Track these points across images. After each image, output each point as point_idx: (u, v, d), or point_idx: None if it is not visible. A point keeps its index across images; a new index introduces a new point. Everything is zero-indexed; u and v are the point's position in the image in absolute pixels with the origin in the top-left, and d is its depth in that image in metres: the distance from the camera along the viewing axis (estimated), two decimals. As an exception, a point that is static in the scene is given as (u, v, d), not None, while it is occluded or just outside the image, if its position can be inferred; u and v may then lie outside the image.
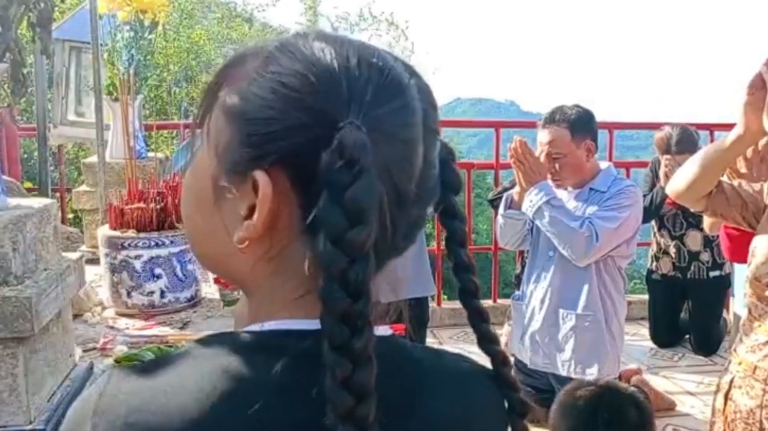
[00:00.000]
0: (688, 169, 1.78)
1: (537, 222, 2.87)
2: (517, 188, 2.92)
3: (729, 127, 1.70)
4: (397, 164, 0.56)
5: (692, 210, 1.95)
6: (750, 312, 1.76)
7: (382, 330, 0.61)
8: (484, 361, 0.68)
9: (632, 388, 1.97)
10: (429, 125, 0.59)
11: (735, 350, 1.81)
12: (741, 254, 2.08)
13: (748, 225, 1.82)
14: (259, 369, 0.55)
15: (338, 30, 15.67)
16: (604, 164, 3.03)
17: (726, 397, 1.79)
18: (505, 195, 3.06)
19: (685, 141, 3.83)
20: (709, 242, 4.01)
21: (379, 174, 0.53)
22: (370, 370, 0.51)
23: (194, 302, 2.14)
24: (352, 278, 0.51)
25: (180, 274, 2.08)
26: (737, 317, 3.12)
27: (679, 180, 1.82)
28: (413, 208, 0.59)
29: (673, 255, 4.17)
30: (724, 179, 1.92)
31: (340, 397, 0.50)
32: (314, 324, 0.53)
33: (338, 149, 0.51)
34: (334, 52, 0.56)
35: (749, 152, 1.80)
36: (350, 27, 15.81)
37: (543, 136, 2.91)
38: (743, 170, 1.83)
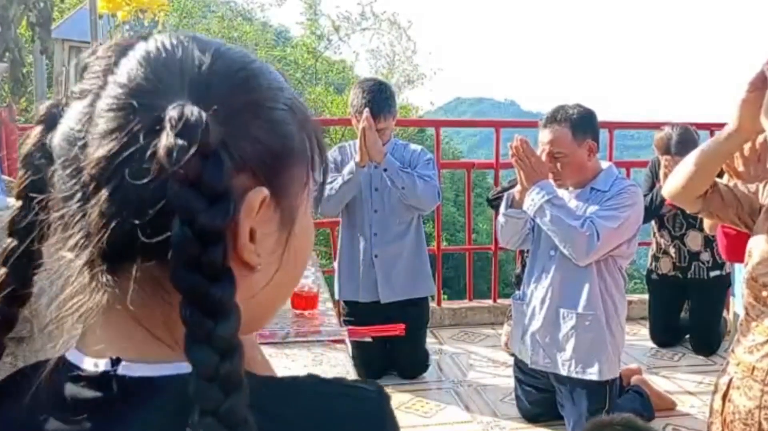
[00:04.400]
0: (683, 169, 1.77)
1: (538, 221, 2.87)
2: (518, 187, 2.92)
3: (730, 128, 1.69)
4: None
5: (688, 211, 1.94)
6: (747, 313, 1.75)
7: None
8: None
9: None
10: None
11: (733, 351, 1.80)
12: (737, 254, 2.07)
13: (744, 226, 1.81)
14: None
15: (339, 29, 15.65)
16: (605, 164, 3.02)
17: (723, 398, 1.78)
18: (506, 194, 3.05)
19: (684, 142, 3.82)
20: (709, 242, 4.00)
21: None
22: None
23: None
24: None
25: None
26: (737, 317, 3.12)
27: (674, 181, 1.81)
28: None
29: (673, 255, 4.17)
30: (725, 179, 1.92)
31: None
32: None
33: None
34: None
35: (747, 151, 1.80)
36: (352, 26, 15.80)
37: (544, 135, 2.90)
38: (741, 169, 1.82)
